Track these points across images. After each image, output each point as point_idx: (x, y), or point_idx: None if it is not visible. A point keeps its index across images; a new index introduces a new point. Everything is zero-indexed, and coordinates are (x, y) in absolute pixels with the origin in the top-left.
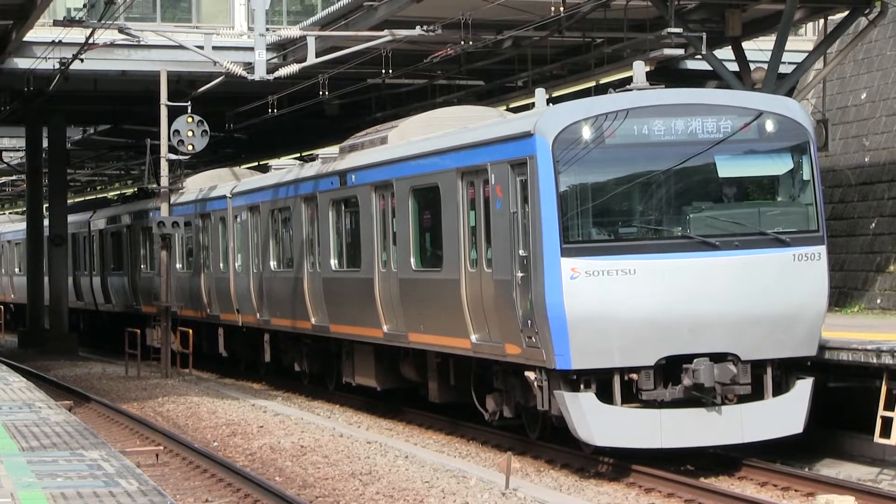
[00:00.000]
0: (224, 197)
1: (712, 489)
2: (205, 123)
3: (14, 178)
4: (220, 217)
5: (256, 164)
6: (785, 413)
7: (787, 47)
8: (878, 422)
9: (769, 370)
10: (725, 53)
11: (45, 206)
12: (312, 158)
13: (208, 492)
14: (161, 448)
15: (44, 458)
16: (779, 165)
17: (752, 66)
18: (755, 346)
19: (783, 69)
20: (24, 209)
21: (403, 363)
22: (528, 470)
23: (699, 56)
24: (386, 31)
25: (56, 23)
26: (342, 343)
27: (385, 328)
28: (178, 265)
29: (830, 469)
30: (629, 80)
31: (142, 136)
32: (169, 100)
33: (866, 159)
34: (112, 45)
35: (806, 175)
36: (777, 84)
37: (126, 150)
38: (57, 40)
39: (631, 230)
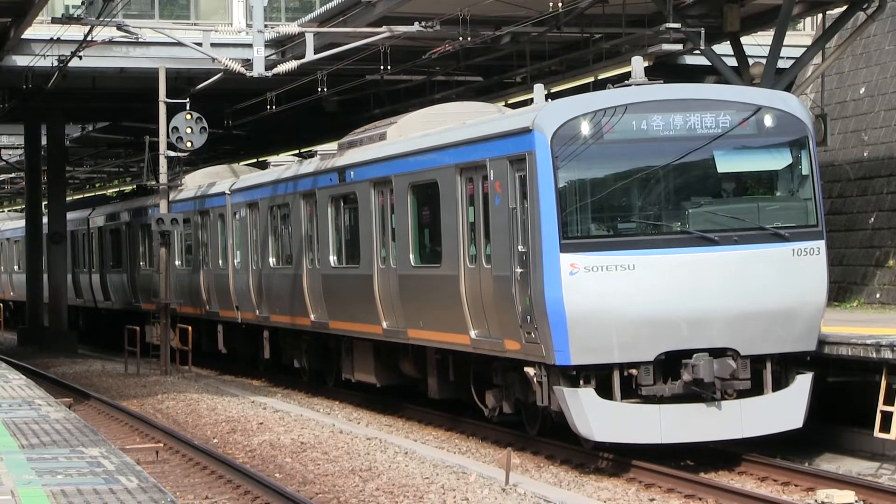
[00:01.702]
0: (223, 194)
1: (712, 484)
2: (203, 120)
3: (13, 175)
4: (219, 214)
5: (255, 160)
6: (784, 408)
7: (785, 42)
8: (878, 416)
9: (769, 365)
10: (724, 49)
11: (44, 203)
12: (311, 155)
13: (208, 489)
14: (161, 445)
15: (44, 456)
16: (777, 160)
17: (751, 62)
18: (754, 341)
19: (782, 64)
20: (23, 207)
21: (403, 359)
22: (528, 465)
23: (698, 51)
24: (384, 28)
25: (54, 20)
26: (341, 339)
27: (384, 324)
28: (178, 262)
29: (830, 464)
30: (628, 75)
31: (140, 134)
32: (167, 97)
33: (865, 154)
34: (110, 42)
35: (805, 170)
36: (776, 79)
37: (125, 147)
38: (55, 38)
39: (630, 226)
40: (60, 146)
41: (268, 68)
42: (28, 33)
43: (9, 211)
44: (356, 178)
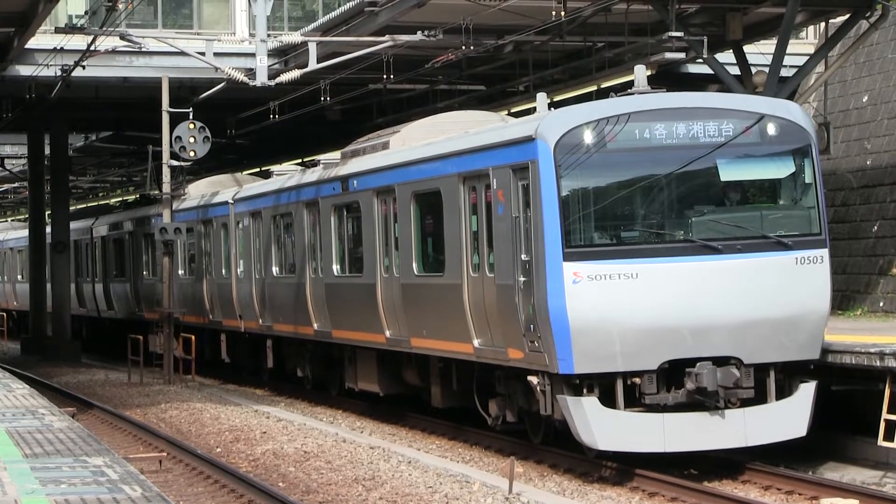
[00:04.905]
0: (226, 203)
1: (716, 493)
2: (206, 129)
3: (16, 185)
4: (223, 223)
5: (258, 169)
6: (788, 417)
7: (788, 51)
8: (882, 425)
9: (772, 374)
10: (727, 57)
11: (48, 213)
12: (314, 164)
13: (211, 498)
14: (164, 454)
15: (47, 465)
16: (781, 169)
17: (754, 70)
18: (758, 349)
19: (784, 72)
20: (27, 216)
21: (406, 368)
22: (532, 475)
23: (700, 60)
24: (387, 37)
25: (58, 30)
26: (345, 348)
27: (387, 333)
28: (181, 271)
29: (834, 472)
30: (630, 84)
31: (144, 143)
32: (170, 106)
33: (868, 162)
34: (113, 51)
35: (808, 178)
36: (778, 87)
37: (128, 156)
38: (59, 47)
39: (633, 234)
40: (63, 156)
41: (271, 77)
42: (31, 43)
43: (12, 220)
44: (359, 187)
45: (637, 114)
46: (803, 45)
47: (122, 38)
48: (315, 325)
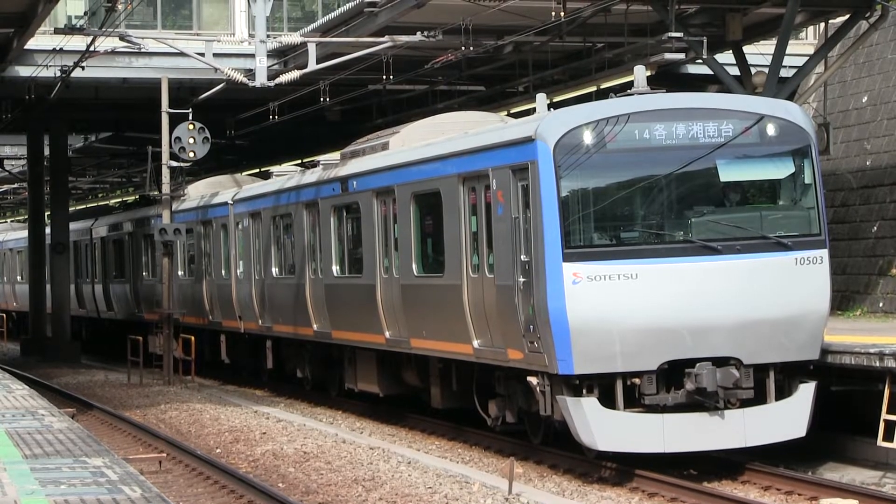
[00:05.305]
0: (226, 204)
1: (715, 493)
2: (206, 130)
3: (16, 186)
4: (222, 224)
5: (258, 170)
6: (788, 417)
7: (787, 51)
8: (882, 425)
9: (772, 374)
10: (726, 58)
11: (47, 213)
12: (314, 165)
13: (211, 498)
14: (164, 455)
15: (47, 466)
16: (780, 169)
17: (753, 70)
18: (757, 350)
19: (784, 73)
20: (26, 217)
21: (406, 369)
22: (532, 475)
23: (700, 60)
24: (386, 37)
25: (57, 31)
26: (344, 349)
27: (387, 334)
28: (180, 272)
29: (834, 473)
30: (630, 84)
31: (143, 144)
32: (170, 107)
33: (868, 163)
34: (113, 52)
35: (808, 179)
36: (778, 88)
37: (127, 157)
38: (58, 48)
39: (633, 235)
40: (63, 156)
41: (270, 78)
42: (31, 44)
43: (12, 221)
44: (359, 187)
45: (637, 114)
46: (803, 45)
47: (122, 38)
48: (315, 326)
